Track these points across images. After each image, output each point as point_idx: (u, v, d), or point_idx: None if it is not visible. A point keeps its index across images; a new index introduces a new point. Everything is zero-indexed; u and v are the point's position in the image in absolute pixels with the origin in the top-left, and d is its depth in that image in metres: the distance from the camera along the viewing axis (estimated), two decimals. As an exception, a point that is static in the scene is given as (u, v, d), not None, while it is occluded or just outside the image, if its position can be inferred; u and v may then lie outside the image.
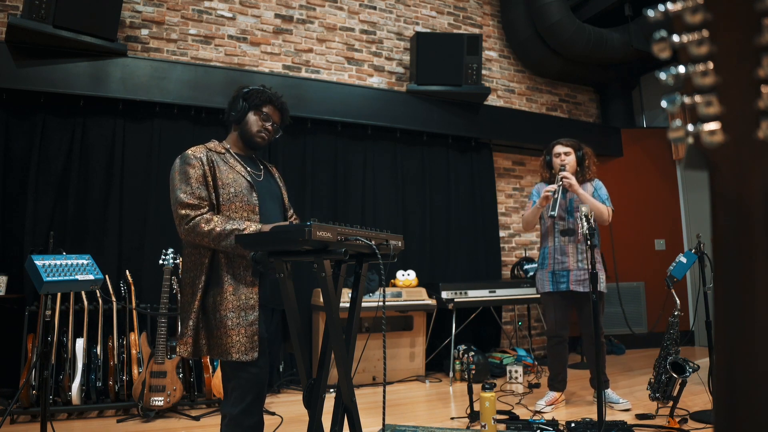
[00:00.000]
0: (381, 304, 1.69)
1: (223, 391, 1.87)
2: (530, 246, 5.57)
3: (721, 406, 0.46)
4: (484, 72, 5.49)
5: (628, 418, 2.94)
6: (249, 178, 1.92)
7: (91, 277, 2.22)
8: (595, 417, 2.65)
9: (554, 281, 3.29)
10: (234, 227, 1.74)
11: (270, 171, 2.13)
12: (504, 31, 5.72)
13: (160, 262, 3.36)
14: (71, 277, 2.14)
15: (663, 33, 0.45)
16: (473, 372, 3.99)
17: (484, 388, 2.66)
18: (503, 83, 5.66)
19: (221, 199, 1.84)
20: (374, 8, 5.05)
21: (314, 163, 4.50)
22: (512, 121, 5.43)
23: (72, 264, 2.18)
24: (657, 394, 2.99)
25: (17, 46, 3.53)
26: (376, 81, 4.94)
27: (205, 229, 1.75)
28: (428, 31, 5.23)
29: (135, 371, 3.32)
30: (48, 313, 2.28)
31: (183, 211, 1.78)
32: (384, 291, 1.70)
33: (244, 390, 1.77)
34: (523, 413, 3.12)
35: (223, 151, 1.95)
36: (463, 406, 3.36)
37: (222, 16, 4.37)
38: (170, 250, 3.38)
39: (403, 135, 4.90)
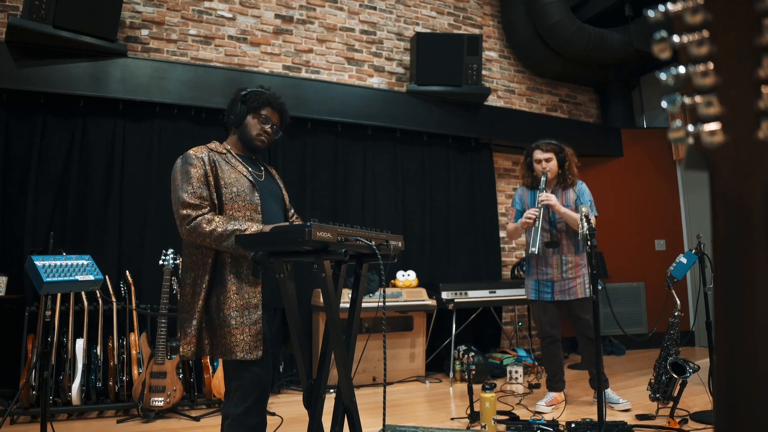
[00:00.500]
0: (381, 304, 1.69)
1: (224, 392, 1.87)
2: (530, 246, 5.56)
3: (721, 407, 0.46)
4: (484, 72, 5.50)
5: (629, 419, 2.94)
6: (251, 178, 1.92)
7: (91, 277, 2.22)
8: (595, 417, 2.65)
9: (538, 290, 3.30)
10: (235, 228, 1.74)
11: (270, 173, 2.14)
12: (504, 31, 5.72)
13: (160, 262, 3.36)
14: (71, 278, 2.14)
15: (663, 33, 0.45)
16: (473, 372, 3.99)
17: (484, 389, 2.66)
18: (503, 83, 5.66)
19: (224, 199, 1.85)
20: (374, 8, 5.05)
21: (314, 164, 4.50)
22: (512, 121, 5.43)
23: (72, 264, 2.18)
24: (657, 395, 2.99)
25: (17, 47, 3.53)
26: (376, 81, 4.94)
27: (207, 229, 1.75)
28: (428, 31, 5.23)
29: (135, 372, 3.32)
30: (48, 313, 2.28)
31: (184, 211, 1.78)
32: (384, 291, 1.70)
33: (246, 390, 1.77)
34: (523, 414, 3.11)
35: (224, 151, 1.95)
36: (463, 406, 3.36)
37: (222, 17, 4.37)
38: (170, 251, 3.38)
39: (403, 135, 4.90)
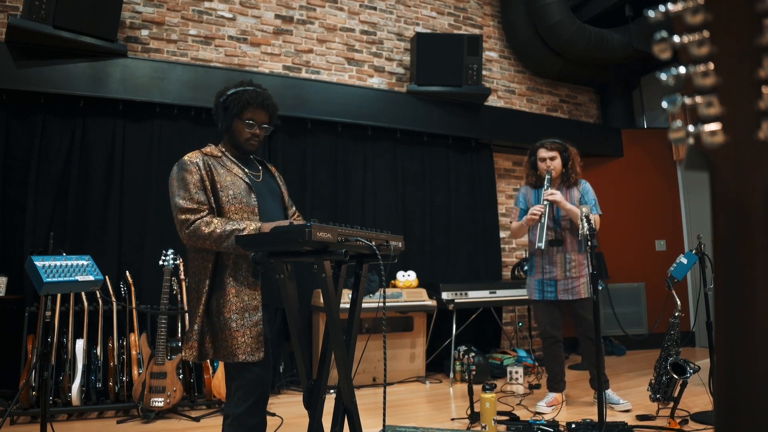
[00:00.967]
0: (381, 304, 1.69)
1: (225, 392, 1.87)
2: (530, 246, 5.56)
3: (721, 407, 0.46)
4: (484, 72, 5.49)
5: (629, 419, 2.93)
6: (247, 180, 1.92)
7: (91, 277, 2.22)
8: (595, 418, 2.65)
9: (541, 290, 3.29)
10: (234, 227, 1.74)
11: (269, 170, 2.13)
12: (504, 31, 5.72)
13: (160, 262, 3.35)
14: (71, 278, 2.14)
15: (664, 33, 0.45)
16: (473, 373, 3.99)
17: (484, 389, 2.66)
18: (503, 84, 5.66)
19: (221, 202, 1.85)
20: (374, 9, 5.05)
21: (314, 164, 4.50)
22: (512, 121, 5.43)
23: (72, 265, 2.18)
24: (658, 395, 2.99)
25: (17, 47, 3.53)
26: (376, 81, 4.94)
27: (206, 231, 1.75)
28: (428, 31, 5.23)
29: (135, 372, 3.32)
30: (48, 313, 2.28)
31: (183, 216, 1.79)
32: (384, 292, 1.70)
33: (247, 390, 1.77)
34: (523, 414, 3.11)
35: (219, 154, 1.95)
36: (463, 407, 3.35)
37: (222, 17, 4.37)
38: (170, 251, 3.38)
39: (403, 135, 4.90)
